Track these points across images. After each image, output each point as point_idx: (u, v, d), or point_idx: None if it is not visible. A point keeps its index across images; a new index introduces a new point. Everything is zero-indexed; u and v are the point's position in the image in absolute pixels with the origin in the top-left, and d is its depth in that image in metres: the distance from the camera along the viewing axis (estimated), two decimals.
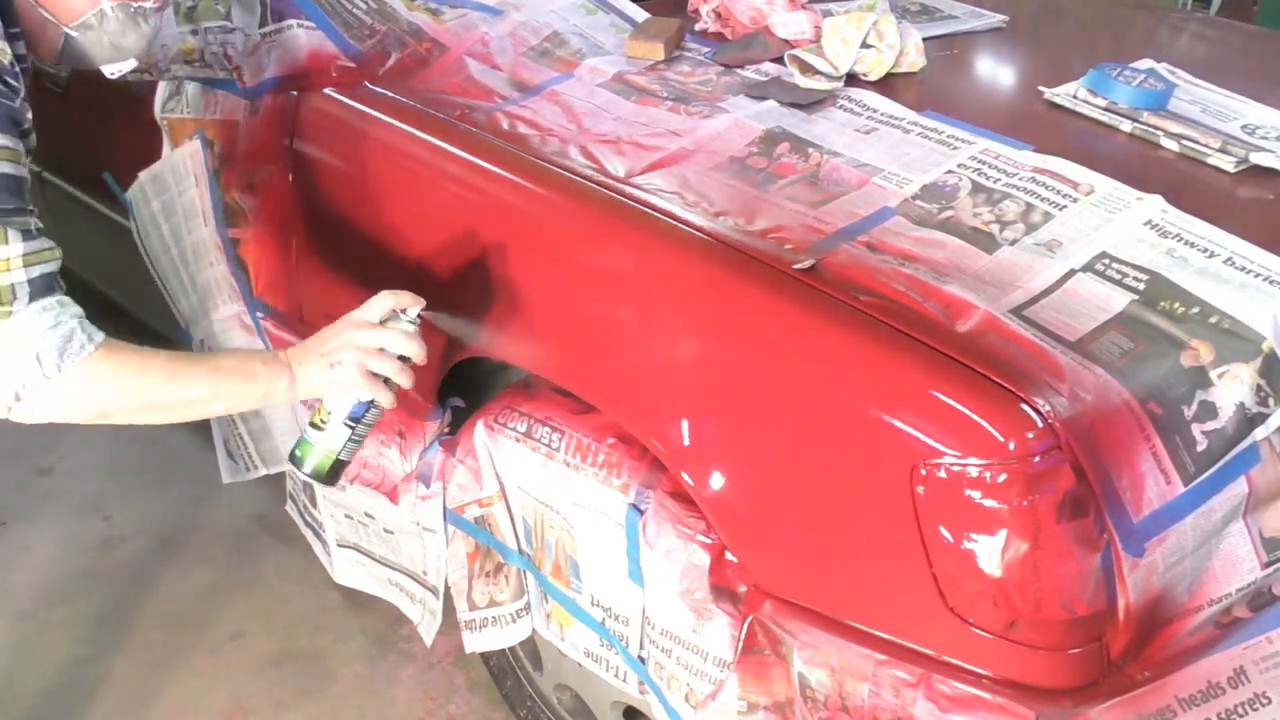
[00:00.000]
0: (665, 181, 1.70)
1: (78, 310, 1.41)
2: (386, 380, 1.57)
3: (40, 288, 1.37)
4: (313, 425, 1.61)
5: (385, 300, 1.57)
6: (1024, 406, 1.29)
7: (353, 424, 1.59)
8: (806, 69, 2.03)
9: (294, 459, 1.64)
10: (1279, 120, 1.97)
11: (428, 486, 1.91)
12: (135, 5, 1.54)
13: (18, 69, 1.46)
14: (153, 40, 1.60)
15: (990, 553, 1.29)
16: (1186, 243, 1.56)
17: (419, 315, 1.58)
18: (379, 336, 1.55)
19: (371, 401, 1.58)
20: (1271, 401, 1.41)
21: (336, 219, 2.01)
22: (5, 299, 1.34)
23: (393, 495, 2.00)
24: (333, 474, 1.63)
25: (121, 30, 1.54)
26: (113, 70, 1.60)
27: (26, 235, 1.37)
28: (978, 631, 1.33)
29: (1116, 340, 1.39)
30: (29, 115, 1.44)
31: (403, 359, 1.57)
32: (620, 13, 2.28)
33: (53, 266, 1.40)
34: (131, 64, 1.59)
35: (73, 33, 1.52)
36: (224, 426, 2.34)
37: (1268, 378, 1.41)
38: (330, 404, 1.59)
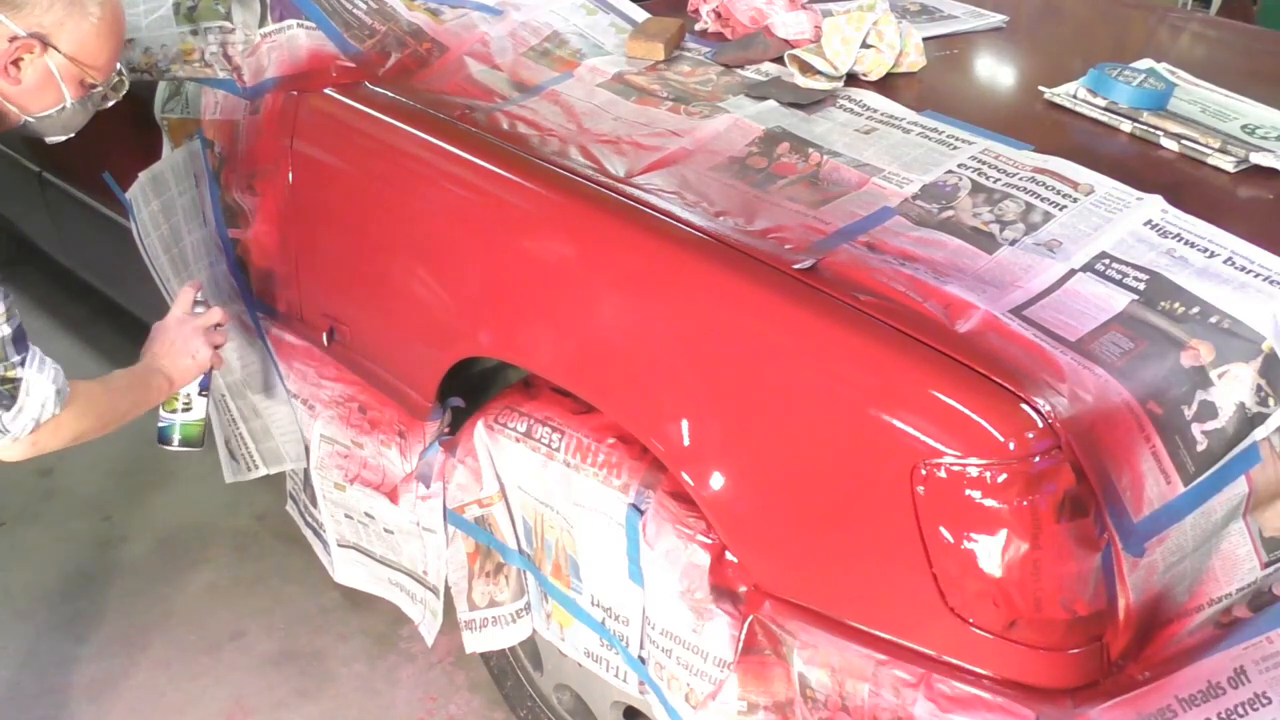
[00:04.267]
0: (665, 181, 1.70)
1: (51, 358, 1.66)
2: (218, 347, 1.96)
3: (22, 341, 1.60)
4: (172, 411, 1.98)
5: (187, 293, 1.96)
6: (1024, 406, 1.29)
7: (207, 393, 2.00)
8: (806, 69, 2.03)
9: (168, 441, 2.00)
10: (1279, 120, 1.97)
11: (428, 486, 1.91)
12: (90, 93, 1.71)
13: None
14: (93, 114, 1.77)
15: (990, 553, 1.29)
16: (1186, 243, 1.56)
17: (201, 290, 1.98)
18: (205, 318, 1.94)
19: (211, 370, 1.97)
20: (1271, 401, 1.41)
21: (336, 219, 2.01)
22: (0, 353, 1.56)
23: (393, 495, 2.00)
24: (202, 437, 2.02)
25: (74, 115, 1.72)
26: (55, 140, 1.78)
27: (3, 297, 1.57)
28: (978, 631, 1.33)
29: (1116, 340, 1.39)
30: None
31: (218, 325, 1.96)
32: (620, 13, 2.28)
33: (19, 318, 1.60)
34: (72, 134, 1.78)
35: (33, 120, 1.69)
36: (226, 426, 2.34)
37: (1268, 378, 1.41)
38: (186, 388, 1.96)
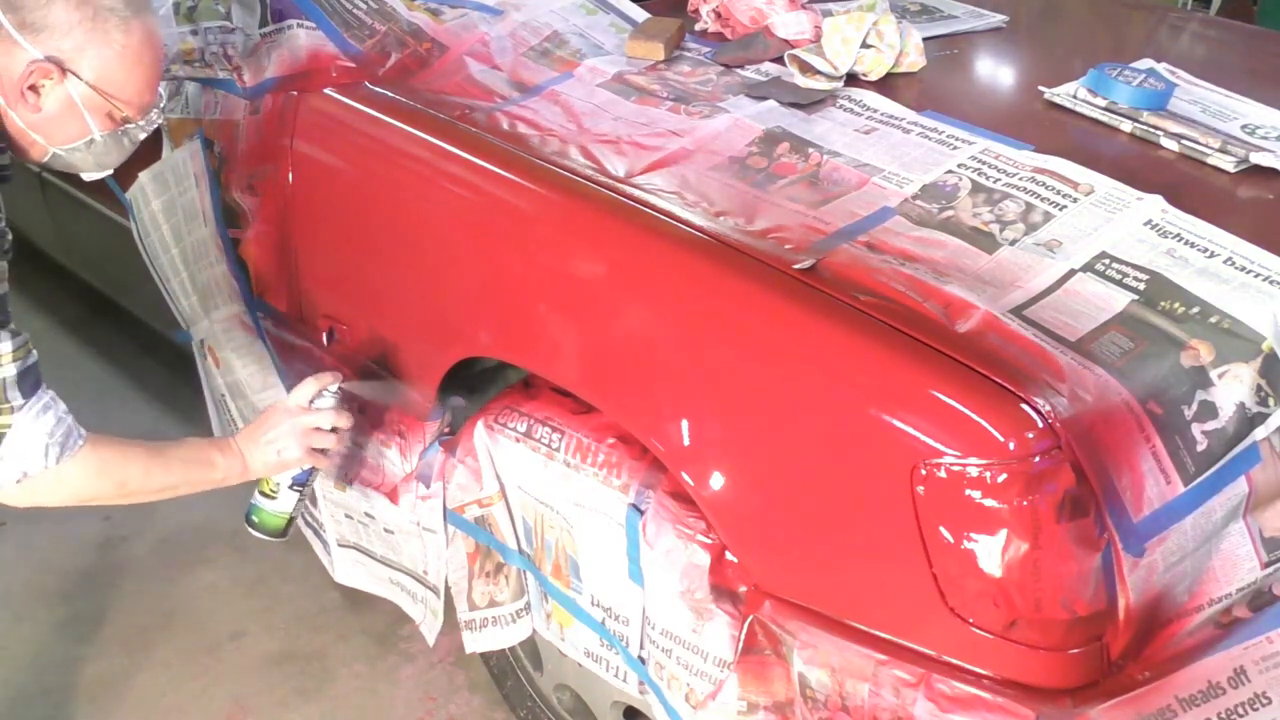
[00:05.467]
0: (665, 181, 1.70)
1: (65, 407, 1.57)
2: (323, 450, 1.84)
3: (32, 383, 1.52)
4: (263, 494, 1.88)
5: (311, 385, 1.82)
6: (1024, 406, 1.29)
7: (300, 489, 1.88)
8: (806, 69, 2.03)
9: (250, 523, 1.90)
10: (1279, 120, 1.97)
11: (428, 486, 1.91)
12: (122, 130, 1.63)
13: None
14: (130, 152, 1.69)
15: (990, 553, 1.29)
16: (1186, 243, 1.56)
17: (339, 387, 1.84)
18: (314, 418, 1.81)
19: (313, 468, 1.86)
20: (1271, 401, 1.41)
21: (336, 219, 2.01)
22: (1, 395, 1.49)
23: (393, 495, 2.00)
24: (285, 529, 1.91)
25: (105, 150, 1.64)
26: (91, 176, 1.71)
27: (12, 335, 1.50)
28: (978, 631, 1.33)
29: (1116, 340, 1.39)
30: (9, 236, 1.52)
31: (333, 429, 1.83)
32: (620, 13, 2.28)
33: (33, 359, 1.53)
34: (110, 172, 1.71)
35: (61, 153, 1.61)
36: (225, 426, 2.34)
37: (1268, 378, 1.41)
38: (276, 477, 1.86)
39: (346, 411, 1.85)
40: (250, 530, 1.91)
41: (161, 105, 1.67)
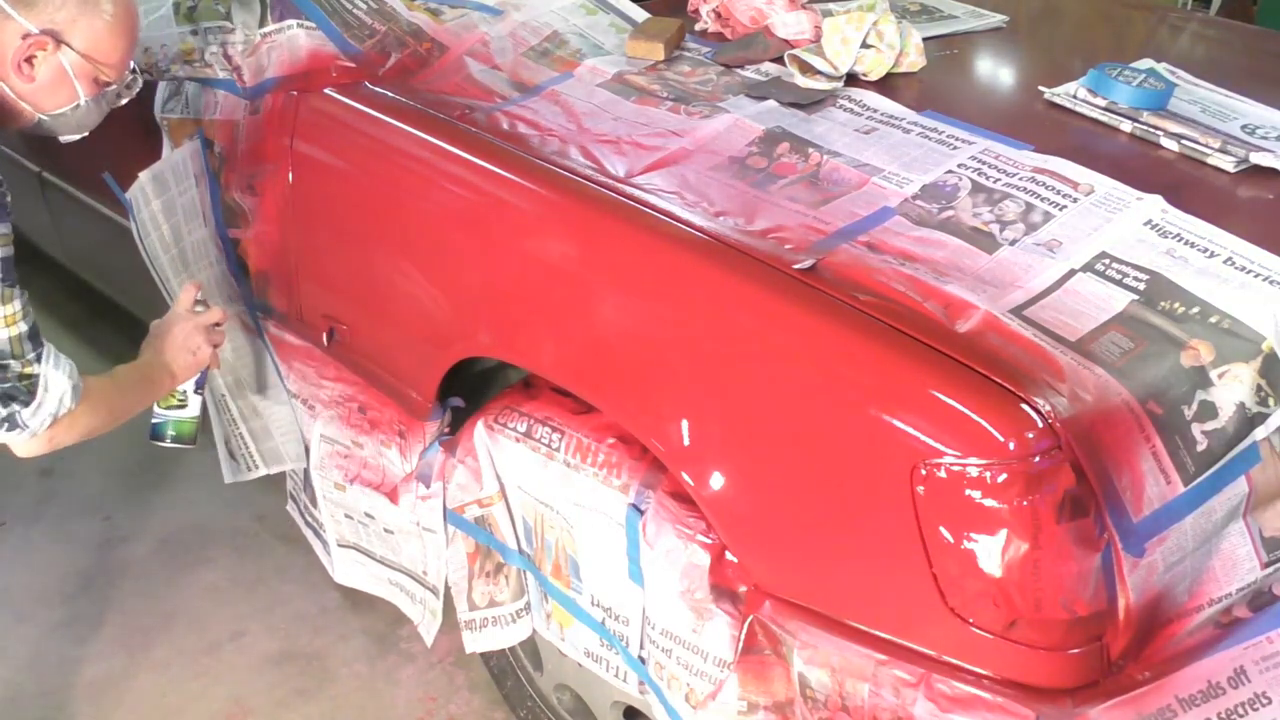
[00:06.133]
0: (665, 181, 1.70)
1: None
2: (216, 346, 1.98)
3: (38, 338, 1.62)
4: (169, 408, 1.99)
5: (190, 290, 1.96)
6: (1024, 406, 1.29)
7: (202, 390, 2.01)
8: (806, 69, 2.03)
9: (160, 437, 2.02)
10: (1279, 120, 1.97)
11: (428, 486, 1.91)
12: (103, 93, 1.71)
13: None
14: (107, 113, 1.78)
15: (990, 553, 1.29)
16: (1186, 243, 1.55)
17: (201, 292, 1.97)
18: (207, 317, 1.95)
19: (206, 370, 1.98)
20: (1271, 401, 1.41)
21: (336, 219, 2.01)
22: (18, 349, 1.59)
23: (393, 495, 2.00)
24: (194, 435, 2.02)
25: (88, 113, 1.72)
26: (69, 139, 1.78)
27: (19, 295, 1.61)
28: (978, 631, 1.33)
29: (1116, 340, 1.39)
30: (9, 197, 1.60)
31: (218, 325, 1.98)
32: (620, 13, 2.28)
33: (33, 317, 1.63)
34: (85, 134, 1.78)
35: (47, 119, 1.69)
36: (225, 426, 2.34)
37: (1268, 378, 1.41)
38: (183, 385, 1.97)
39: (221, 309, 2.01)
40: (163, 444, 2.02)
41: (135, 66, 1.75)
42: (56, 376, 1.63)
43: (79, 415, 1.67)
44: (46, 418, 1.63)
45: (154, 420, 2.01)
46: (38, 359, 1.61)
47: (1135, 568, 1.34)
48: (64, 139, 1.77)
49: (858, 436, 1.38)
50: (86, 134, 1.77)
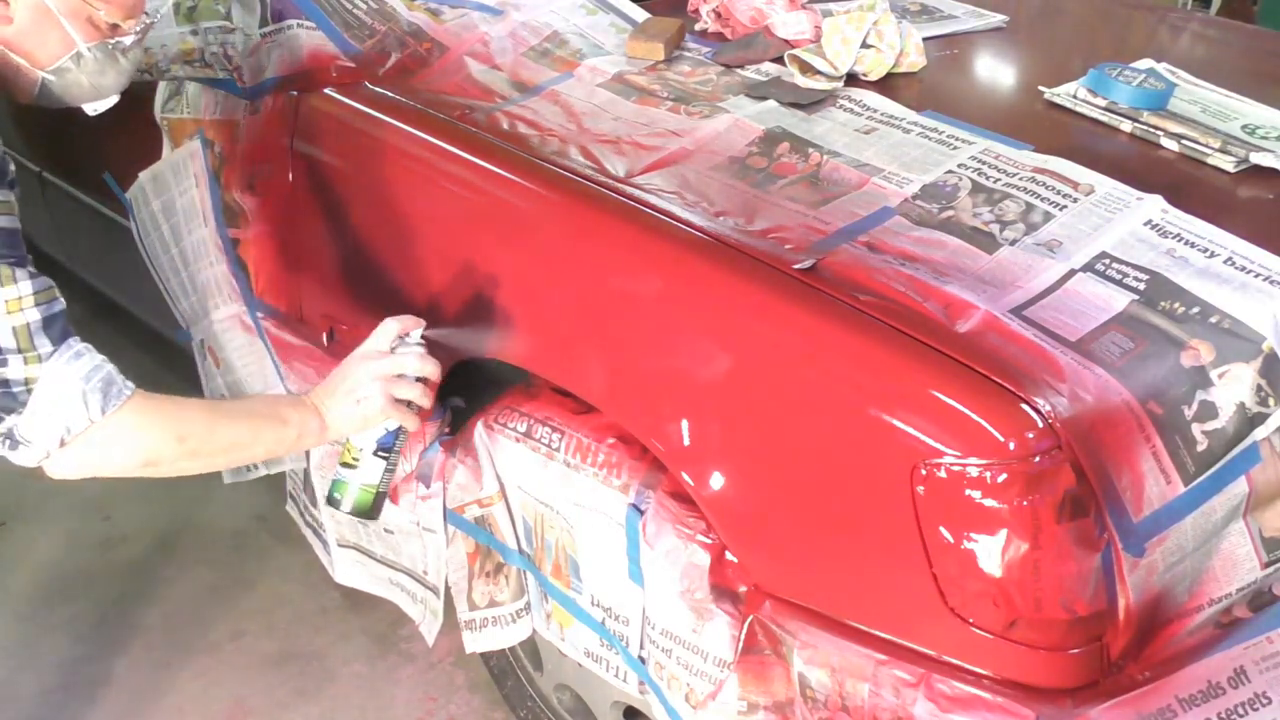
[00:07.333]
0: (665, 181, 1.70)
1: (104, 358, 1.39)
2: (408, 404, 1.61)
3: (60, 331, 1.35)
4: (344, 465, 1.63)
5: (391, 327, 1.58)
6: (1024, 406, 1.29)
7: (386, 454, 1.63)
8: (806, 69, 2.03)
9: (332, 501, 1.66)
10: (1279, 120, 1.97)
11: (428, 486, 1.91)
12: (113, 42, 1.50)
13: None
14: (131, 75, 1.56)
15: (990, 553, 1.29)
16: (1186, 243, 1.56)
17: (422, 335, 1.62)
18: (396, 363, 1.57)
19: (399, 428, 1.62)
20: (1272, 401, 1.41)
21: (336, 219, 2.01)
22: (23, 343, 1.31)
23: (393, 495, 1.99)
24: (375, 507, 1.67)
25: (100, 69, 1.50)
26: (94, 108, 1.57)
27: (31, 276, 1.35)
28: (978, 631, 1.33)
29: (1117, 340, 1.39)
30: (11, 166, 1.41)
31: (420, 380, 1.60)
32: (620, 13, 2.28)
33: (60, 305, 1.38)
34: (113, 100, 1.55)
35: (49, 77, 1.48)
36: None
37: (1268, 378, 1.41)
38: (357, 441, 1.62)
39: (434, 360, 1.59)
40: (333, 510, 1.67)
41: (146, 11, 1.53)
42: (63, 377, 1.32)
43: (121, 431, 1.34)
44: (56, 431, 1.32)
45: (332, 477, 1.67)
46: (49, 356, 1.31)
47: (1135, 568, 1.34)
48: (89, 109, 1.54)
49: (858, 436, 1.38)
50: (114, 101, 1.54)
